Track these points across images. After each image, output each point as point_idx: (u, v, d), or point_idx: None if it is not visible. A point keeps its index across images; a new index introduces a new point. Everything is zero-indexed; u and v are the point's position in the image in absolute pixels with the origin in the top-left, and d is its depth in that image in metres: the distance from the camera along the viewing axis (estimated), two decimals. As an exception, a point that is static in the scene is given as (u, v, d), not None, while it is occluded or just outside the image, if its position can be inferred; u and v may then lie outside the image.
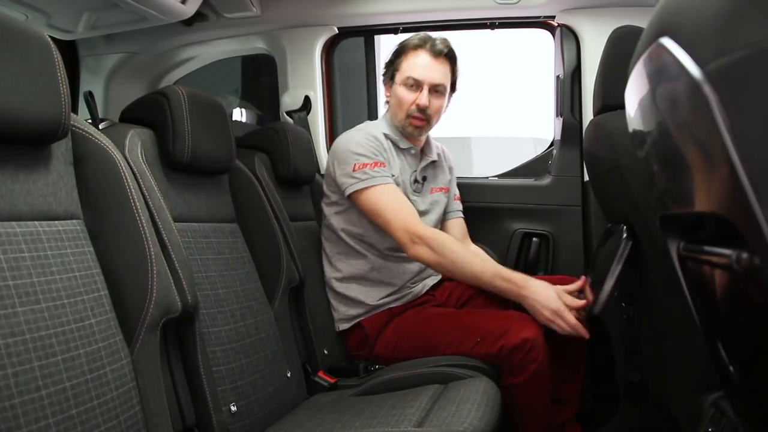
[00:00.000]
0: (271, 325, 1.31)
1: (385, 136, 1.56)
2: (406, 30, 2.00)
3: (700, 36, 0.46)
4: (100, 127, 1.09)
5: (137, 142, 1.05)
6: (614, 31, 1.29)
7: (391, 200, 1.45)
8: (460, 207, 1.75)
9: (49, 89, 0.78)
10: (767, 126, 0.41)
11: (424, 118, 1.53)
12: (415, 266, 1.57)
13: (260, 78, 3.08)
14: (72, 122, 0.86)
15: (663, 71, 0.53)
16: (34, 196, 0.79)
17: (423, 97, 1.51)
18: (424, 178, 1.64)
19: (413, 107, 1.52)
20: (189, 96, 1.17)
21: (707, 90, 0.43)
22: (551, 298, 1.34)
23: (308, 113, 2.01)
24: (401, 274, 1.56)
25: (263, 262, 1.38)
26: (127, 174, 0.90)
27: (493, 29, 1.96)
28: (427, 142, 1.67)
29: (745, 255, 0.46)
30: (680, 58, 0.48)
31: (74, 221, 0.84)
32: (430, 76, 1.52)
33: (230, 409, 1.10)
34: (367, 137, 1.52)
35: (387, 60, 1.61)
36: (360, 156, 1.47)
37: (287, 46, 2.05)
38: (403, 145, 1.59)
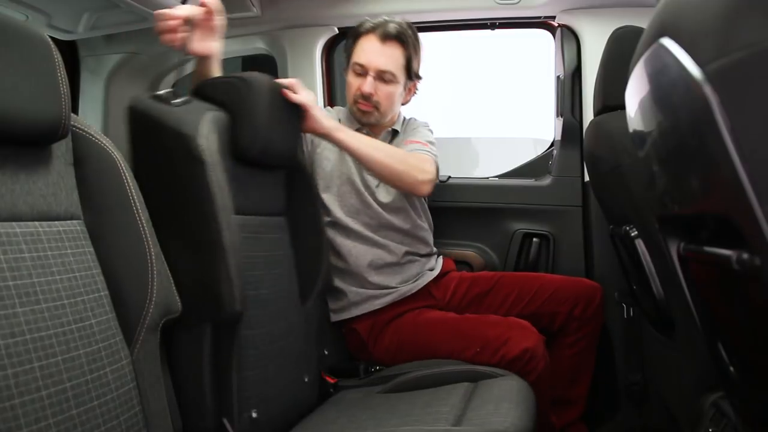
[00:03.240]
0: (300, 327, 1.26)
1: (339, 119, 1.54)
2: (406, 30, 2.00)
3: (700, 36, 0.46)
4: (174, 102, 0.99)
5: (213, 128, 0.98)
6: (615, 32, 1.29)
7: None
8: (418, 148, 1.51)
9: (49, 89, 0.78)
10: (767, 126, 0.41)
11: (370, 105, 1.49)
12: (369, 254, 1.50)
13: (260, 78, 3.07)
14: (72, 122, 0.86)
15: (663, 72, 0.53)
16: (35, 196, 0.79)
17: (366, 84, 1.46)
18: None
19: (358, 93, 1.48)
20: (269, 86, 1.12)
21: (707, 90, 0.43)
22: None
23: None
24: (357, 258, 1.50)
25: (302, 260, 1.32)
26: (127, 174, 0.90)
27: (493, 29, 1.96)
28: (395, 122, 1.60)
29: (745, 255, 0.46)
30: (680, 58, 0.48)
31: (74, 221, 0.84)
32: (375, 62, 1.46)
33: (251, 415, 1.05)
34: (324, 111, 1.55)
35: (345, 44, 1.59)
36: None
37: (287, 46, 2.05)
38: (350, 125, 1.52)
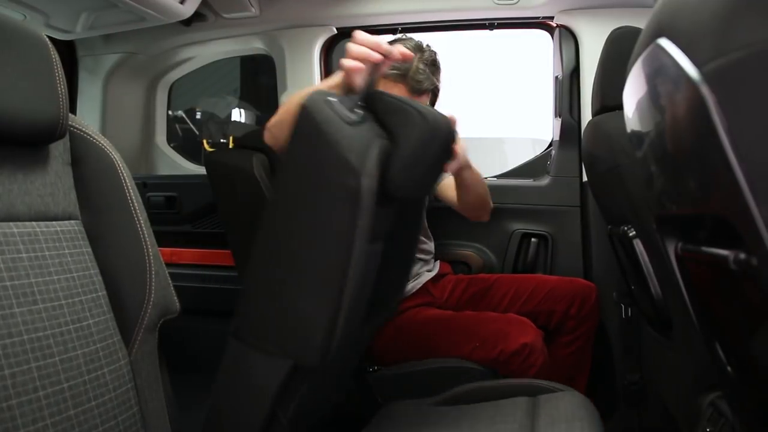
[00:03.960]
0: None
1: None
2: (404, 30, 2.00)
3: (697, 37, 0.46)
4: (350, 118, 0.87)
5: (378, 164, 0.97)
6: (612, 32, 1.29)
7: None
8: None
9: (47, 89, 0.78)
10: (764, 126, 0.41)
11: None
12: None
13: (259, 78, 3.08)
14: (70, 122, 0.86)
15: (661, 72, 0.53)
16: (32, 196, 0.78)
17: None
18: None
19: None
20: (445, 127, 1.11)
21: (705, 91, 0.43)
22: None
23: (307, 114, 2.01)
24: None
25: (382, 288, 1.32)
26: (125, 174, 0.90)
27: (491, 30, 1.97)
28: None
29: (742, 255, 0.46)
30: (678, 58, 0.48)
31: (72, 222, 0.84)
32: None
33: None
34: None
35: None
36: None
37: (286, 46, 2.05)
38: None
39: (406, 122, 0.90)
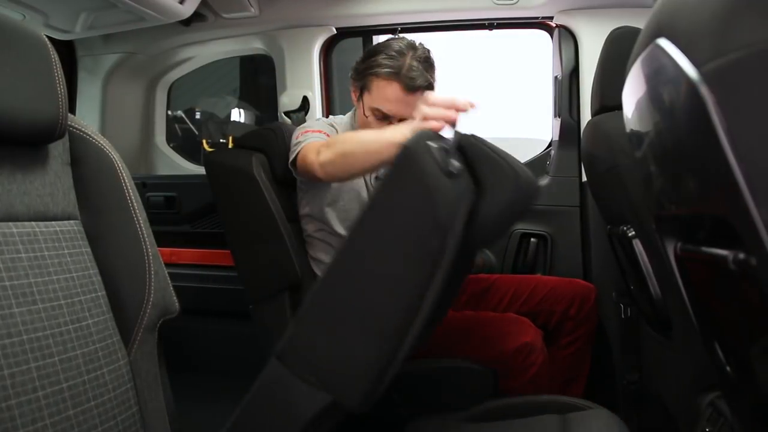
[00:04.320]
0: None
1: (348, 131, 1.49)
2: (404, 30, 2.00)
3: (696, 37, 0.46)
4: (449, 169, 0.90)
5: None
6: (612, 32, 1.29)
7: (311, 146, 1.30)
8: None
9: (46, 89, 0.78)
10: (764, 127, 0.41)
11: None
12: None
13: (258, 78, 3.08)
14: (69, 122, 0.86)
15: (660, 72, 0.53)
16: (31, 196, 0.78)
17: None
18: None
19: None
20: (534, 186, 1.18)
21: (704, 91, 0.43)
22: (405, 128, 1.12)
23: (306, 114, 2.01)
24: None
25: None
26: (124, 174, 0.90)
27: (491, 30, 1.97)
28: None
29: (741, 255, 0.47)
30: (677, 59, 0.48)
31: (71, 222, 0.84)
32: (402, 112, 1.37)
33: None
34: (323, 122, 1.47)
35: (358, 63, 1.45)
36: (305, 127, 1.42)
37: (285, 46, 2.05)
38: None
39: (498, 178, 0.87)
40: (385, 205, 0.81)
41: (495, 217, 0.85)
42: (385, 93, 1.37)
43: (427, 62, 1.39)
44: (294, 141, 1.40)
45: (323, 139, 1.36)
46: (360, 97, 1.44)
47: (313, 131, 1.40)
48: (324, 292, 0.81)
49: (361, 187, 1.49)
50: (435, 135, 0.82)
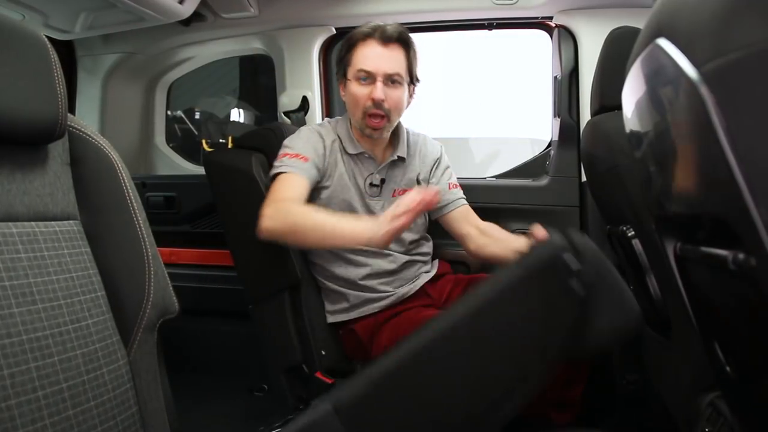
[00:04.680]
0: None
1: (339, 138, 1.48)
2: (403, 30, 2.00)
3: (696, 37, 0.46)
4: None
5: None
6: (611, 32, 1.29)
7: (281, 185, 1.35)
8: (458, 194, 1.60)
9: (46, 89, 0.78)
10: (763, 127, 0.41)
11: (382, 114, 1.41)
12: (368, 265, 1.50)
13: (258, 78, 3.08)
14: (69, 122, 0.86)
15: (660, 72, 0.53)
16: (31, 196, 0.78)
17: (378, 90, 1.39)
18: (383, 181, 1.51)
19: (369, 103, 1.40)
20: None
21: (704, 91, 0.43)
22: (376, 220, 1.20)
23: (306, 114, 2.01)
24: (356, 267, 1.50)
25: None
26: (124, 174, 0.90)
27: (490, 30, 1.97)
28: (396, 136, 1.54)
29: (741, 256, 0.47)
30: (677, 59, 0.48)
31: (71, 222, 0.84)
32: (384, 66, 1.39)
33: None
34: (310, 132, 1.47)
35: (337, 56, 1.49)
36: (287, 147, 1.42)
37: (285, 46, 2.05)
38: (352, 150, 1.48)
39: (617, 307, 0.81)
40: (504, 302, 0.74)
41: (602, 342, 0.80)
42: (363, 52, 1.41)
43: (401, 31, 1.44)
44: (276, 160, 1.42)
45: (298, 169, 1.38)
46: (344, 80, 1.46)
47: (291, 156, 1.40)
48: (411, 365, 0.74)
49: (352, 197, 1.48)
50: (565, 246, 0.75)
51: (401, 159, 1.54)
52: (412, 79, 1.47)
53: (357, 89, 1.42)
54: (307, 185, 1.37)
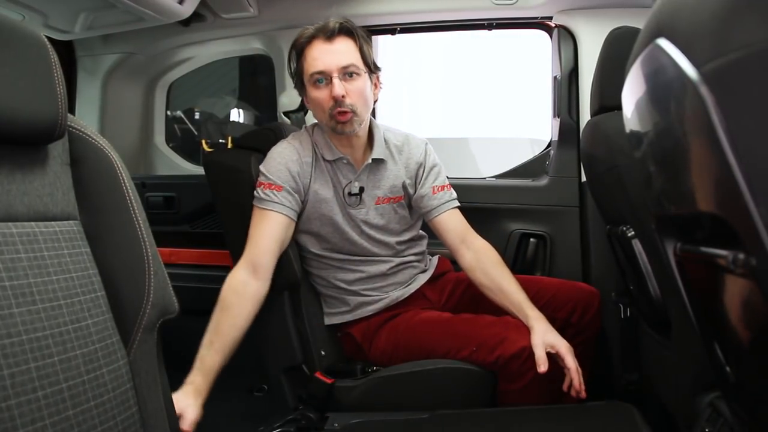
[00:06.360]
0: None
1: (315, 146, 1.45)
2: (403, 30, 2.01)
3: (696, 37, 0.46)
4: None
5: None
6: (611, 32, 1.29)
7: (255, 228, 1.40)
8: (449, 197, 1.53)
9: (45, 90, 0.78)
10: (763, 127, 0.41)
11: (347, 111, 1.36)
12: (356, 271, 1.51)
13: (257, 78, 3.08)
14: (69, 123, 0.86)
15: (659, 72, 0.53)
16: (31, 196, 0.78)
17: (336, 87, 1.34)
18: (362, 189, 1.47)
19: (331, 103, 1.36)
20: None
21: (703, 91, 0.43)
22: None
23: (305, 114, 2.01)
24: (344, 275, 1.51)
25: None
26: (124, 174, 0.90)
27: (490, 30, 1.97)
28: (372, 137, 1.49)
29: (741, 256, 0.47)
30: (676, 59, 0.48)
31: (71, 222, 0.84)
32: (335, 61, 1.35)
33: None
34: (285, 149, 1.44)
35: (289, 69, 1.47)
36: (262, 174, 1.42)
37: (285, 46, 2.05)
38: (330, 156, 1.44)
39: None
40: None
41: None
42: (311, 55, 1.38)
43: (342, 22, 1.41)
44: (256, 184, 1.43)
45: (272, 204, 1.39)
46: (304, 90, 1.43)
47: (266, 186, 1.40)
48: None
49: (332, 210, 1.46)
50: None
51: (380, 161, 1.49)
52: (371, 68, 1.42)
53: (316, 93, 1.38)
54: (281, 221, 1.40)
